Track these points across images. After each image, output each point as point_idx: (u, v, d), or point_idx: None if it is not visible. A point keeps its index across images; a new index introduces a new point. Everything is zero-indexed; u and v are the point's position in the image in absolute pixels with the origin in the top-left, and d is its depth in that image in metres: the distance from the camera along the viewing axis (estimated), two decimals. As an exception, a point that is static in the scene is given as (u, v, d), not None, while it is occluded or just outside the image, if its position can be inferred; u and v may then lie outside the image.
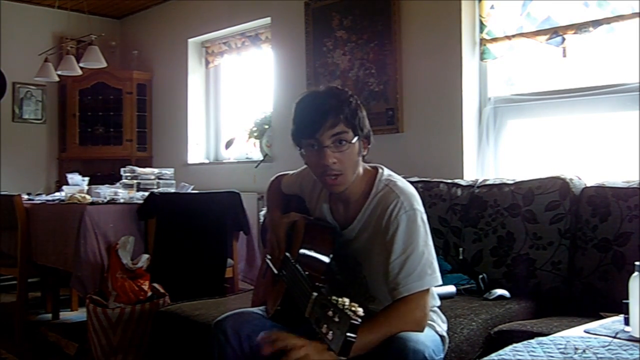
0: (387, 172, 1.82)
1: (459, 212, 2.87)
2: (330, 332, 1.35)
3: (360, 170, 1.78)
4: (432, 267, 1.66)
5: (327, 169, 1.69)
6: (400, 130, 3.71)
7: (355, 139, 1.70)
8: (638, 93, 2.84)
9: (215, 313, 2.21)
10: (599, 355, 1.30)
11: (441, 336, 1.78)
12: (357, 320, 1.31)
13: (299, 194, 2.03)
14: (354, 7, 3.94)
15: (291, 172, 2.12)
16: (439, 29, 3.54)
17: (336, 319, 1.34)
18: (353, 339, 1.31)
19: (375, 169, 1.82)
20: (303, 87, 4.19)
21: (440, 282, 1.70)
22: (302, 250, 1.73)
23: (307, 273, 1.58)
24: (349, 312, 1.32)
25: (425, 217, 1.72)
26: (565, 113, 3.17)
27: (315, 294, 1.46)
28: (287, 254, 1.74)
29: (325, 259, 1.73)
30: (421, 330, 1.62)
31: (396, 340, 1.55)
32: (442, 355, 1.68)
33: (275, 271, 1.83)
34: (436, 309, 1.85)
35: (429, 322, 1.75)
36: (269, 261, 1.92)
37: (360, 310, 1.33)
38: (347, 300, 1.36)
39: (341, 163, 1.69)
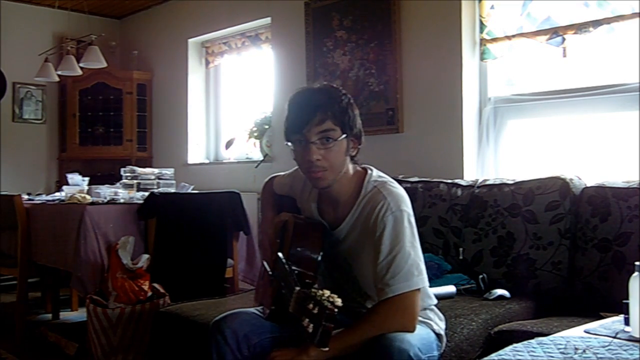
0: (376, 173, 1.83)
1: (459, 212, 2.87)
2: (311, 324, 1.37)
3: (350, 169, 1.79)
4: (418, 269, 1.66)
5: (312, 165, 1.70)
6: (400, 130, 3.70)
7: (343, 136, 1.71)
8: (638, 93, 2.83)
9: (215, 313, 2.21)
10: (599, 355, 1.30)
11: (438, 334, 1.78)
12: (333, 310, 1.32)
13: (290, 194, 2.04)
14: (354, 7, 3.94)
15: (283, 173, 2.13)
16: (439, 29, 3.53)
17: (315, 311, 1.36)
18: (330, 329, 1.32)
19: (365, 170, 1.83)
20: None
21: (427, 284, 1.70)
22: (292, 249, 1.75)
23: (297, 271, 1.59)
24: (326, 303, 1.34)
25: (412, 219, 1.72)
26: (565, 113, 3.17)
27: (297, 288, 1.46)
28: (280, 253, 1.75)
29: (316, 256, 1.74)
30: (410, 331, 1.61)
31: (382, 339, 1.56)
32: (435, 353, 1.69)
33: (270, 271, 1.84)
34: (433, 307, 1.85)
35: (426, 320, 1.76)
36: (265, 262, 1.93)
37: (338, 301, 1.35)
38: (327, 292, 1.38)
39: (326, 160, 1.70)
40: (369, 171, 1.82)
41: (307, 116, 1.69)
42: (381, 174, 1.83)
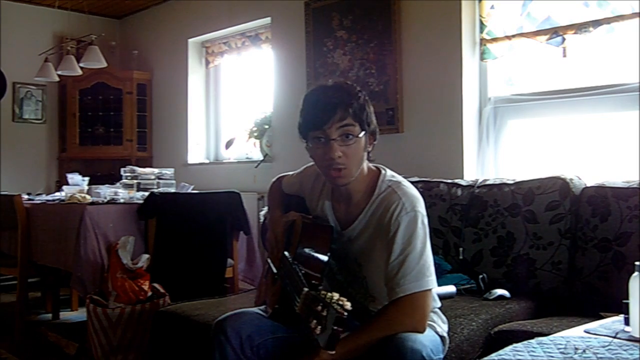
0: (389, 173, 1.83)
1: (459, 212, 2.87)
2: (319, 326, 1.36)
3: (365, 167, 1.79)
4: (429, 270, 1.67)
5: (333, 162, 1.69)
6: (400, 130, 3.70)
7: (362, 133, 1.71)
8: (638, 93, 2.84)
9: (215, 313, 2.21)
10: (599, 355, 1.30)
11: (441, 337, 1.78)
12: (343, 314, 1.32)
13: (299, 193, 2.04)
14: (354, 7, 3.94)
15: (291, 172, 2.13)
16: (439, 29, 3.54)
17: (324, 313, 1.36)
18: (338, 333, 1.32)
19: (378, 170, 1.83)
20: (303, 87, 4.19)
21: (436, 286, 1.70)
22: (299, 249, 1.74)
23: (303, 271, 1.59)
24: (336, 306, 1.33)
25: (426, 220, 1.72)
26: (565, 113, 3.17)
27: (306, 289, 1.46)
28: (286, 252, 1.75)
29: (323, 257, 1.74)
30: (420, 332, 1.62)
31: (394, 340, 1.55)
32: (441, 356, 1.69)
33: (275, 270, 1.84)
34: (437, 309, 1.85)
35: (429, 322, 1.75)
36: (269, 260, 1.93)
37: (348, 305, 1.35)
38: (336, 295, 1.37)
39: (347, 157, 1.69)
40: (383, 171, 1.82)
41: (328, 113, 1.67)
42: (394, 173, 1.83)
